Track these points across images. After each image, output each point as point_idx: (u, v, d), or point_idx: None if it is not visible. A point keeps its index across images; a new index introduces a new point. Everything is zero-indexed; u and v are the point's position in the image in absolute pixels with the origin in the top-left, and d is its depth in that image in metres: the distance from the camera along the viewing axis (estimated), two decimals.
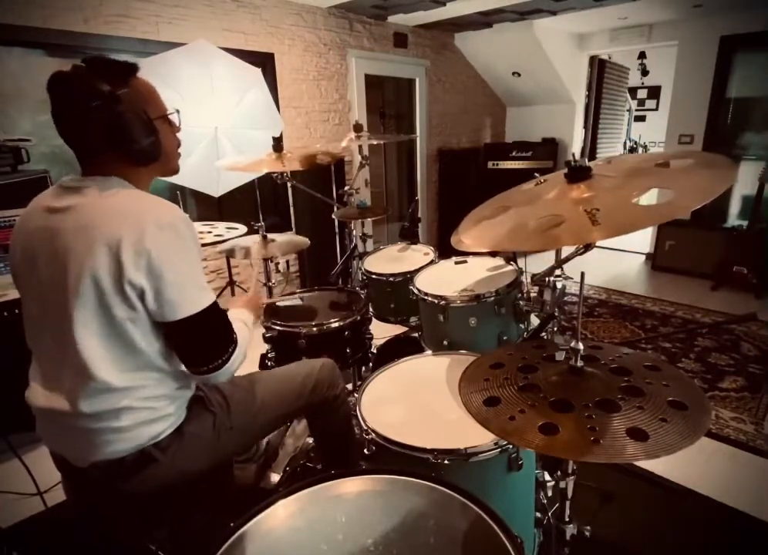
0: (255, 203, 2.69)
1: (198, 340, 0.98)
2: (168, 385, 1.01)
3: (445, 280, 1.75)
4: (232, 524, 0.80)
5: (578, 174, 1.12)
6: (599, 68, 5.40)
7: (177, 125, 1.07)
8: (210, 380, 1.03)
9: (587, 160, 1.15)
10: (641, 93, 7.70)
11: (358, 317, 1.80)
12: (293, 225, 3.86)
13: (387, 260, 2.24)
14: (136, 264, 0.87)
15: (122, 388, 0.94)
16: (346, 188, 2.43)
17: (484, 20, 4.31)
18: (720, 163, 1.05)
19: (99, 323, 0.90)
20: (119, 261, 0.86)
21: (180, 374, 1.03)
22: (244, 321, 1.17)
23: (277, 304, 1.97)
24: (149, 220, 0.89)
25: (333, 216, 2.40)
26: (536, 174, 1.40)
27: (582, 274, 0.98)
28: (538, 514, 1.31)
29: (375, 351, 1.99)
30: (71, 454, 1.01)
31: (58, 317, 0.91)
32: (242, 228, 2.52)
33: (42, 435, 1.05)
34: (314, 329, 1.72)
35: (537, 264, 1.66)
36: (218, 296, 3.22)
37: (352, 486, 0.89)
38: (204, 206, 3.34)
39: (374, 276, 2.07)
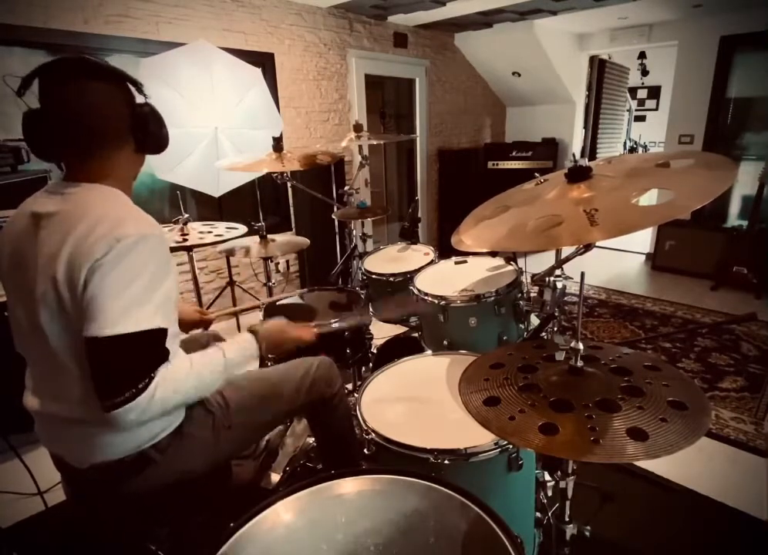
0: (255, 203, 2.69)
1: (103, 365, 0.85)
2: None
3: (445, 280, 1.75)
4: (232, 524, 0.80)
5: (578, 174, 1.12)
6: (599, 68, 5.40)
7: None
8: (115, 420, 0.85)
9: (587, 160, 1.15)
10: (641, 93, 7.70)
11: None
12: (293, 225, 3.86)
13: (387, 260, 2.24)
14: (83, 272, 0.84)
15: None
16: (346, 188, 2.44)
17: (484, 20, 4.31)
18: (720, 164, 1.05)
19: (73, 332, 0.89)
20: (74, 269, 0.85)
21: None
22: (229, 362, 1.02)
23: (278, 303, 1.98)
24: (114, 230, 0.86)
25: (333, 216, 2.41)
26: (536, 174, 1.40)
27: (582, 274, 0.98)
28: (538, 514, 1.31)
29: (375, 351, 1.99)
30: (70, 455, 1.01)
31: (40, 325, 0.91)
32: (242, 228, 2.53)
33: (40, 436, 1.05)
34: (314, 329, 1.71)
35: (537, 264, 1.66)
36: (218, 296, 3.22)
37: (351, 486, 0.89)
38: (204, 206, 3.34)
39: (374, 276, 2.07)
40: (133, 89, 1.01)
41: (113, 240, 0.85)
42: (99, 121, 0.94)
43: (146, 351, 0.88)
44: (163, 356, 0.90)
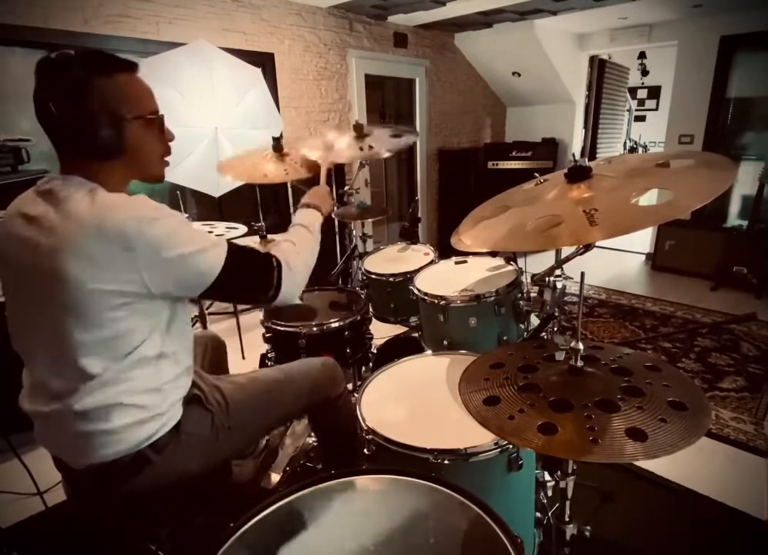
0: (255, 203, 2.69)
1: (235, 292, 1.06)
2: (157, 379, 0.99)
3: (445, 280, 1.75)
4: (232, 524, 0.80)
5: (578, 174, 1.12)
6: (599, 68, 5.40)
7: (166, 131, 1.04)
8: (283, 304, 1.08)
9: (587, 160, 1.15)
10: (641, 93, 7.70)
11: (358, 317, 1.80)
12: None
13: (387, 260, 2.24)
14: (127, 268, 0.87)
15: (110, 379, 0.93)
16: (346, 188, 2.43)
17: (484, 20, 4.31)
18: (720, 163, 1.05)
19: (90, 329, 0.90)
20: (106, 270, 0.86)
21: (168, 366, 1.01)
22: (305, 225, 1.25)
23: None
24: (122, 222, 0.87)
25: (333, 216, 2.40)
26: (536, 174, 1.40)
27: (582, 274, 0.98)
28: (538, 514, 1.31)
29: (375, 351, 1.99)
30: (67, 457, 1.01)
31: (46, 325, 0.92)
32: (242, 228, 2.53)
33: (39, 438, 1.04)
34: (315, 329, 1.72)
35: (537, 264, 1.66)
36: None
37: (352, 485, 0.89)
38: (204, 206, 3.34)
39: (374, 276, 2.07)
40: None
41: (136, 227, 0.87)
42: (51, 117, 0.92)
43: (243, 255, 1.03)
44: (254, 256, 1.05)
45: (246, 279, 1.03)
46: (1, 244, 0.98)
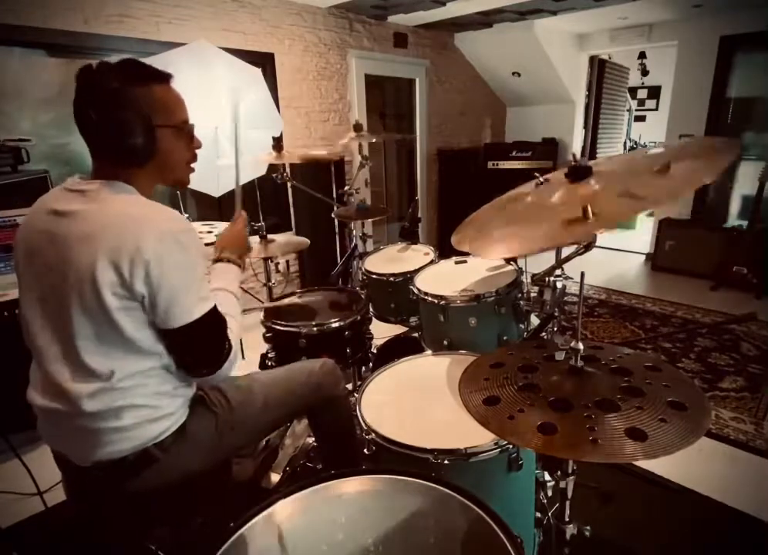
0: (255, 203, 2.69)
1: (190, 348, 1.00)
2: (169, 383, 1.02)
3: (445, 280, 1.75)
4: (232, 524, 0.80)
5: (579, 173, 1.12)
6: (599, 68, 5.40)
7: (194, 139, 1.10)
8: (207, 382, 1.08)
9: (587, 160, 1.15)
10: (641, 93, 7.69)
11: (358, 317, 1.80)
12: (293, 225, 3.86)
13: (387, 260, 2.24)
14: (135, 274, 0.88)
15: (123, 387, 0.95)
16: (346, 188, 2.44)
17: (484, 20, 4.31)
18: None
19: (100, 329, 0.92)
20: (120, 272, 0.88)
21: (180, 372, 1.04)
22: (230, 290, 1.15)
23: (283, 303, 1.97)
24: (149, 230, 0.89)
25: (333, 216, 2.41)
26: (536, 174, 1.40)
27: (582, 274, 0.98)
28: (538, 514, 1.31)
29: (375, 351, 1.99)
30: (73, 453, 1.01)
31: (59, 321, 0.93)
32: None
33: (43, 434, 1.05)
34: (315, 329, 1.72)
35: (537, 264, 1.66)
36: None
37: (351, 486, 0.89)
38: (204, 206, 3.34)
39: (374, 276, 2.07)
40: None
41: (155, 241, 0.88)
42: (89, 124, 0.95)
43: (218, 322, 1.02)
44: (223, 328, 1.04)
45: (199, 347, 1.00)
46: (27, 240, 0.99)
